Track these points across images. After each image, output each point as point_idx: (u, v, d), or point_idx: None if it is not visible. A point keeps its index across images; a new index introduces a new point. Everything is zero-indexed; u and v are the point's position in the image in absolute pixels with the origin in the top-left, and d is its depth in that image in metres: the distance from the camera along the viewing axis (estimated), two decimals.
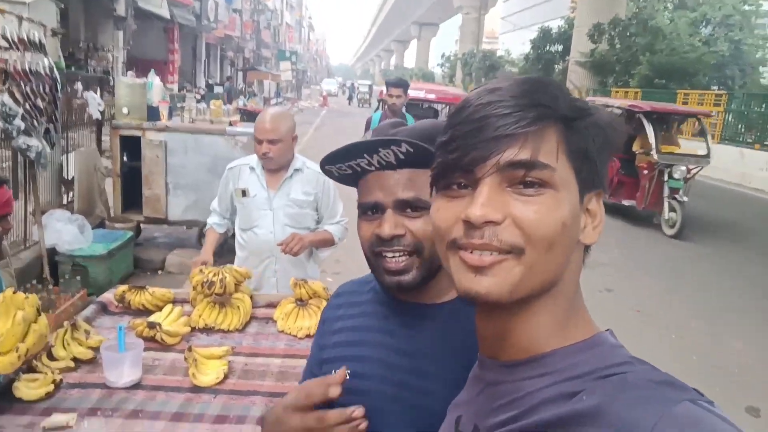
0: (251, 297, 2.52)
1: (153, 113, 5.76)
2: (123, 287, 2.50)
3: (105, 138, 6.15)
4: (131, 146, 5.66)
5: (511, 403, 0.63)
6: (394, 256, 0.94)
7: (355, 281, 1.17)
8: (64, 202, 5.50)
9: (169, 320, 2.30)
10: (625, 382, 0.57)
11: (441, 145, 0.66)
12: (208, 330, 2.32)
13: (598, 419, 0.55)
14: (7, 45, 3.98)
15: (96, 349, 2.01)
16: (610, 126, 0.66)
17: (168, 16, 22.38)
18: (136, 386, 1.88)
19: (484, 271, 0.61)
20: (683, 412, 0.53)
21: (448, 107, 10.76)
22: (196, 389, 1.89)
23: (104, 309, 2.45)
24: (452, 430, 0.73)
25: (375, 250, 0.96)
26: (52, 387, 1.80)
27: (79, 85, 5.35)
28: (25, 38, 4.14)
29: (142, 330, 2.19)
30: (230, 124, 6.09)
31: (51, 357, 1.99)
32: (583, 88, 23.43)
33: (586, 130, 0.64)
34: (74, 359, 1.99)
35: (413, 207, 0.95)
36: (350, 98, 47.64)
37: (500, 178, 0.61)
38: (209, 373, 1.95)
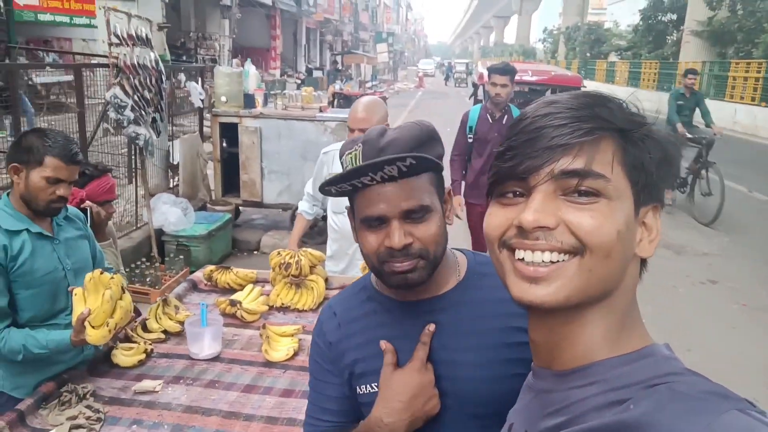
0: (326, 279, 2.64)
1: (249, 101, 6.06)
2: (211, 267, 2.71)
3: (207, 125, 6.58)
4: (230, 133, 6.01)
5: (560, 411, 0.64)
6: (402, 263, 0.98)
7: (341, 298, 1.19)
8: (170, 185, 5.97)
9: (250, 299, 2.47)
10: (673, 391, 0.57)
11: (498, 155, 0.68)
12: (284, 309, 2.47)
13: (645, 428, 0.54)
14: (117, 41, 4.35)
15: (183, 324, 2.21)
16: (668, 141, 0.66)
17: (270, 3, 23.24)
18: (216, 359, 2.05)
19: (538, 280, 0.63)
20: (731, 421, 0.53)
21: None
22: (268, 364, 2.03)
23: (194, 287, 2.67)
24: None
25: (384, 260, 1.00)
26: (144, 356, 2.01)
27: (182, 76, 5.72)
28: (134, 34, 4.50)
29: (224, 307, 2.37)
30: (320, 110, 6.28)
31: (145, 329, 2.22)
32: (699, 60, 21.64)
33: (642, 143, 0.64)
34: (164, 332, 2.21)
35: (417, 214, 0.98)
36: (447, 78, 47.23)
37: (554, 187, 0.62)
38: (280, 350, 2.08)
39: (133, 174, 5.20)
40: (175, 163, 5.84)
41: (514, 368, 0.98)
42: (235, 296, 2.47)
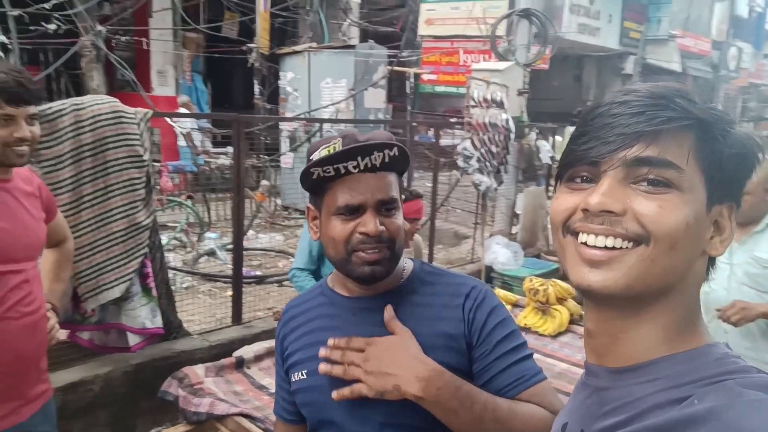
0: (573, 314, 2.78)
1: None
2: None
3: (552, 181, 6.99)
4: None
5: (619, 408, 0.63)
6: (373, 250, 1.03)
7: (301, 296, 1.24)
8: (512, 231, 6.60)
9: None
10: (740, 387, 0.56)
11: (572, 139, 0.67)
12: (526, 329, 2.73)
13: (711, 424, 0.53)
14: (474, 104, 5.26)
15: None
16: (750, 138, 0.64)
17: (680, 70, 22.19)
18: None
19: (599, 265, 0.62)
20: None
21: None
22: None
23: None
24: None
25: (356, 248, 1.03)
26: None
27: (533, 134, 6.35)
28: (489, 98, 5.35)
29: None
30: None
31: None
32: None
33: (722, 139, 0.62)
34: None
35: (389, 206, 1.05)
36: None
37: (625, 173, 0.61)
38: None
39: (478, 216, 6.03)
40: (517, 212, 6.46)
41: (448, 336, 1.06)
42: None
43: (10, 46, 4.18)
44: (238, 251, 3.69)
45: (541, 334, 2.67)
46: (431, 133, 7.44)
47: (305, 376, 1.10)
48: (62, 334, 2.92)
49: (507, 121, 5.58)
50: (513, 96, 5.88)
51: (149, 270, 3.11)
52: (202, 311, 4.27)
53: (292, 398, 1.16)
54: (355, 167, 1.02)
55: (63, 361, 3.02)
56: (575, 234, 0.65)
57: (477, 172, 5.34)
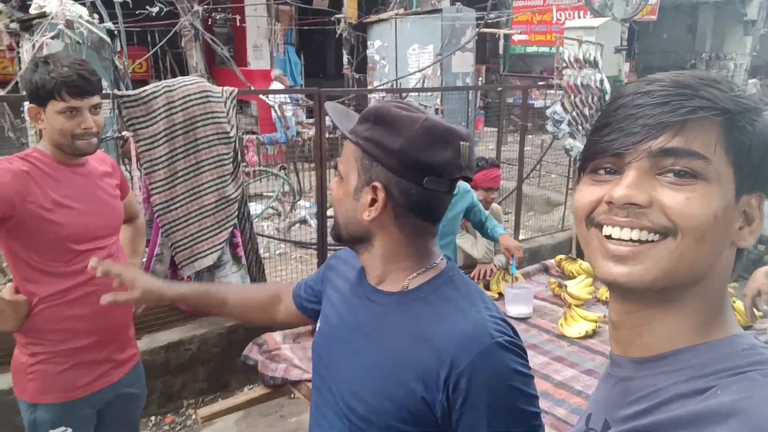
0: None
1: None
2: (561, 256, 3.07)
3: None
4: None
5: (643, 398, 0.63)
6: None
7: (350, 255, 1.16)
8: None
9: (579, 287, 2.73)
10: (764, 379, 0.55)
11: (595, 130, 0.66)
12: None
13: (735, 416, 0.52)
14: (565, 65, 5.01)
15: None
16: None
17: None
18: (523, 320, 2.46)
19: (625, 260, 0.61)
20: None
21: None
22: (560, 336, 2.32)
23: (546, 270, 3.08)
24: (583, 427, 0.73)
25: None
26: None
27: None
28: (581, 58, 5.07)
29: (554, 288, 2.72)
30: None
31: (487, 288, 2.81)
32: None
33: (751, 127, 0.60)
34: (499, 293, 2.74)
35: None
36: None
37: (650, 164, 0.60)
38: (575, 327, 2.32)
39: (569, 183, 5.79)
40: None
41: (401, 390, 0.92)
42: (569, 282, 2.77)
43: (116, 32, 4.48)
44: (322, 219, 3.81)
45: None
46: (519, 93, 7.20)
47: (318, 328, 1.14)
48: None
49: (601, 81, 5.27)
50: (609, 54, 5.52)
51: (239, 240, 3.30)
52: (293, 277, 4.47)
53: (313, 290, 1.23)
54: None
55: (165, 323, 3.31)
56: (599, 227, 0.64)
57: (568, 136, 5.10)
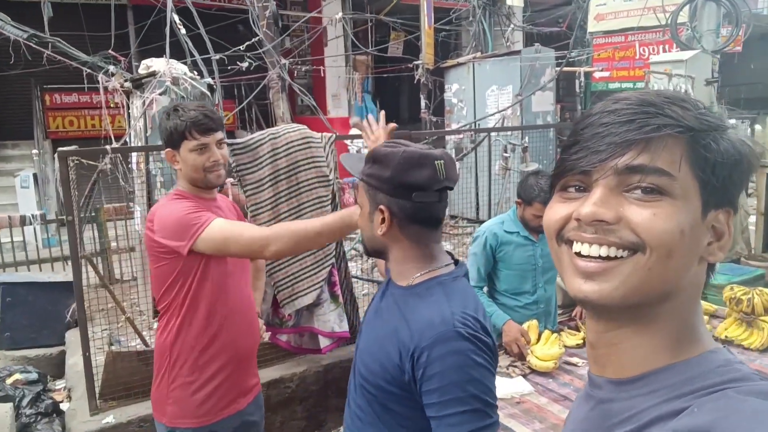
0: None
1: None
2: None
3: (753, 177, 6.22)
4: None
5: (623, 422, 0.63)
6: None
7: None
8: None
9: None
10: (739, 395, 0.55)
11: (564, 148, 0.67)
12: (727, 342, 2.47)
13: None
14: None
15: None
16: (743, 144, 0.63)
17: None
18: None
19: (594, 276, 0.62)
20: None
21: None
22: None
23: None
24: None
25: None
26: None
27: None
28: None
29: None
30: None
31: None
32: None
33: (715, 144, 0.61)
34: None
35: None
36: None
37: (617, 182, 0.61)
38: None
39: None
40: None
41: (386, 357, 1.21)
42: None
43: (214, 86, 4.81)
44: None
45: (746, 348, 2.40)
46: None
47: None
48: (266, 336, 3.30)
49: None
50: (700, 86, 5.36)
51: (336, 278, 3.38)
52: None
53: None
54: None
55: (265, 360, 3.41)
56: (569, 243, 0.65)
57: None
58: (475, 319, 1.17)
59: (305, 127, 3.24)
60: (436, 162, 1.20)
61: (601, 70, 9.10)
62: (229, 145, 3.06)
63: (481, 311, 1.22)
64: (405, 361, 1.16)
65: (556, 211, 0.67)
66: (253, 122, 10.13)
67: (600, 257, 0.62)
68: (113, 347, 3.48)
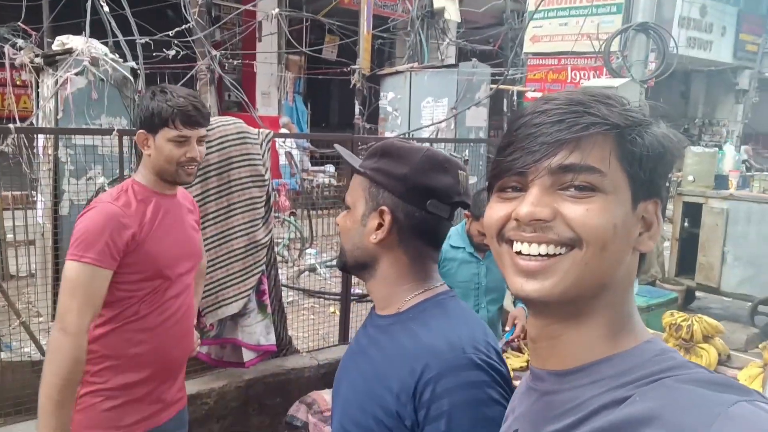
0: (727, 356, 2.50)
1: (721, 182, 5.78)
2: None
3: (669, 205, 6.55)
4: (693, 212, 5.85)
5: (567, 412, 0.64)
6: None
7: None
8: None
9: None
10: (679, 384, 0.57)
11: (499, 150, 0.69)
12: None
13: (654, 423, 0.55)
14: None
15: None
16: (666, 137, 0.66)
17: None
18: None
19: (535, 274, 0.64)
20: (741, 412, 0.52)
21: None
22: None
23: None
24: None
25: None
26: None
27: None
28: None
29: None
30: None
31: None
32: None
33: (641, 139, 0.64)
34: None
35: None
36: None
37: (551, 181, 0.64)
38: None
39: None
40: None
41: (380, 408, 0.96)
42: None
43: (138, 71, 4.44)
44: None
45: None
46: None
47: None
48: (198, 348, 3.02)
49: None
50: None
51: (265, 287, 3.14)
52: (305, 327, 4.29)
53: None
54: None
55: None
56: (510, 242, 0.67)
57: None
58: (488, 343, 0.98)
59: (241, 121, 2.99)
60: (459, 171, 1.04)
61: (534, 90, 9.36)
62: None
63: (491, 334, 1.03)
64: (406, 404, 0.93)
65: (495, 211, 0.69)
66: None
67: (540, 255, 0.64)
68: (2, 355, 3.06)
